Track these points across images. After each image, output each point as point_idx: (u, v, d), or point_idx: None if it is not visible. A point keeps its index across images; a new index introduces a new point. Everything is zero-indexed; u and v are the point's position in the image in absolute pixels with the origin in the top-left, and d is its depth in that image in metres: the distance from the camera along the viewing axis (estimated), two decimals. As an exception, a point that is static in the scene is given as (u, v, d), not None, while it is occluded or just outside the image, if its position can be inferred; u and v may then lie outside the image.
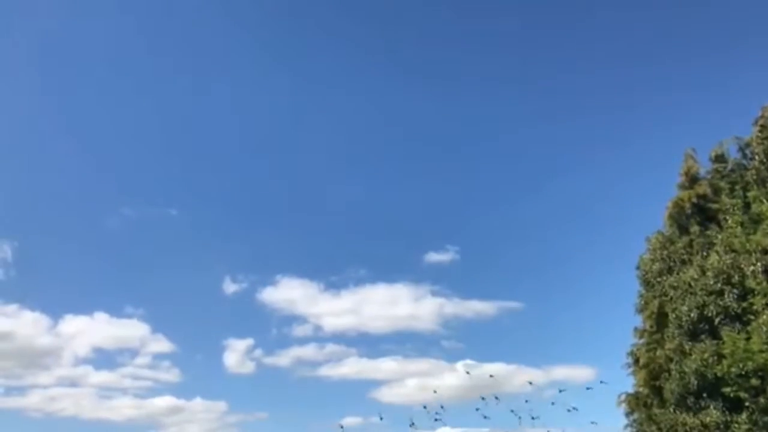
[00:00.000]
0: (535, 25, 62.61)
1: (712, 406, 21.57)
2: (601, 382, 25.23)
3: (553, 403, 21.64)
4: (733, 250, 22.15)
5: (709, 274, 22.43)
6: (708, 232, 24.21)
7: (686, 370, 22.08)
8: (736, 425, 20.83)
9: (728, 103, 51.73)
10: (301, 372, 52.77)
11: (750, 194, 22.35)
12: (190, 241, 60.59)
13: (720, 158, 25.54)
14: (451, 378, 49.31)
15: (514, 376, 50.28)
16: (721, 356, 21.00)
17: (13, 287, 54.39)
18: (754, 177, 22.71)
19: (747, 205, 22.56)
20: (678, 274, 24.11)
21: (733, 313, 21.70)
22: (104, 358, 52.82)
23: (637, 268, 26.61)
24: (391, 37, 64.35)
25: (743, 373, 20.20)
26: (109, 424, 50.33)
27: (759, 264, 20.82)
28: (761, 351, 19.75)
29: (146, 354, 50.93)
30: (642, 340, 25.78)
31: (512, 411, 20.66)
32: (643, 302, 25.86)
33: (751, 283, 20.96)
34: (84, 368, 50.91)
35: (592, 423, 21.10)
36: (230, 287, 54.95)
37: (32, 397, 49.50)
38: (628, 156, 58.10)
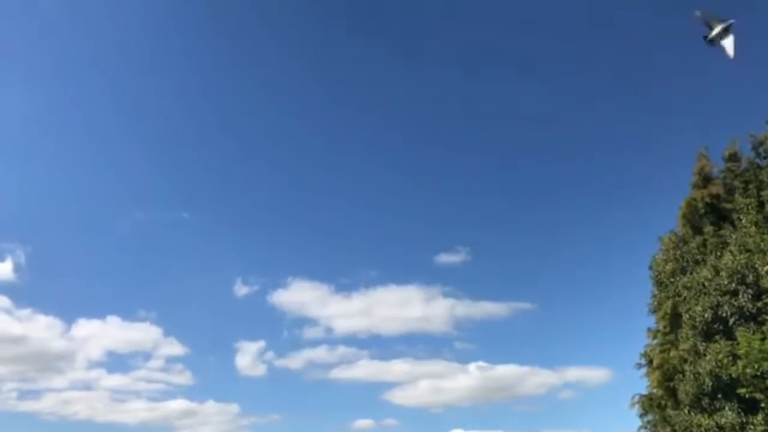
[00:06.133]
0: (546, 24, 62.44)
1: (727, 407, 21.34)
2: None
3: None
4: (748, 250, 21.93)
5: (723, 274, 22.21)
6: (722, 232, 24.01)
7: (700, 370, 21.87)
8: (752, 427, 20.60)
9: (741, 102, 51.33)
10: (313, 374, 52.91)
11: (764, 193, 22.13)
12: (202, 245, 60.96)
13: (733, 157, 25.34)
14: (463, 379, 49.30)
15: (528, 378, 50.26)
16: (735, 357, 20.77)
17: (27, 292, 55.13)
18: (768, 175, 22.49)
19: (761, 204, 22.35)
20: (691, 274, 23.91)
21: (747, 313, 21.47)
22: (117, 362, 53.29)
23: (650, 268, 26.43)
24: (405, 44, 64.37)
25: (759, 373, 19.96)
26: (122, 427, 50.80)
27: (774, 263, 20.61)
28: (776, 351, 19.53)
29: (159, 357, 51.35)
30: (655, 341, 25.60)
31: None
32: (656, 303, 25.68)
33: (765, 282, 20.75)
34: (97, 372, 51.40)
35: None
36: (241, 290, 55.26)
37: (46, 401, 50.03)
38: (640, 156, 57.87)
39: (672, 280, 24.85)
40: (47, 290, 60.07)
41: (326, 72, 63.29)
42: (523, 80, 62.45)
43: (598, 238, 58.25)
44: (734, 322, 21.69)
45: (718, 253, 23.36)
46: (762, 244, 21.14)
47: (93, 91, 63.02)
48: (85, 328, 52.85)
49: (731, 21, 18.31)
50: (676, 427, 22.92)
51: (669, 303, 24.55)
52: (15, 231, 56.96)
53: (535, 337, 56.77)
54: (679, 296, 24.12)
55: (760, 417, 20.46)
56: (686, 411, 22.54)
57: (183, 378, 52.83)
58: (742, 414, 21.00)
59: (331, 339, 54.45)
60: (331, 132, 64.90)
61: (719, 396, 21.72)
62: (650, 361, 25.33)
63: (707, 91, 55.60)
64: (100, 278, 60.14)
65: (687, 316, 23.23)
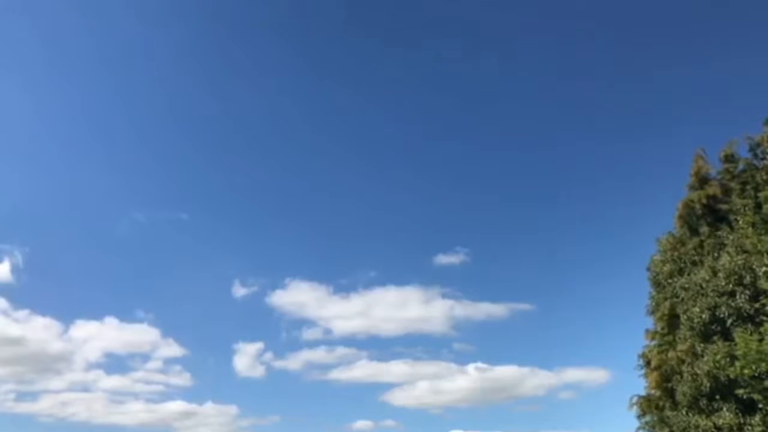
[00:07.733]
0: (549, 31, 62.55)
1: (725, 408, 21.41)
2: None
3: None
4: (745, 251, 21.98)
5: (721, 275, 22.27)
6: (719, 233, 24.05)
7: (698, 371, 21.94)
8: (750, 427, 20.66)
9: (738, 103, 51.52)
10: (311, 375, 52.89)
11: (761, 194, 22.14)
12: (200, 246, 60.99)
13: (730, 158, 25.36)
14: (462, 380, 49.33)
15: (527, 379, 50.28)
16: (733, 358, 20.81)
17: (25, 293, 55.10)
18: (765, 177, 22.52)
19: (758, 206, 22.37)
20: (689, 275, 23.96)
21: (745, 314, 21.52)
22: (115, 363, 53.28)
23: (648, 269, 26.50)
24: (403, 38, 64.42)
25: (756, 374, 20.01)
26: (120, 428, 50.80)
27: (771, 264, 20.63)
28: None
29: (157, 358, 51.39)
30: (653, 342, 25.64)
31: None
32: (654, 304, 25.73)
33: (763, 283, 20.77)
34: (95, 373, 51.38)
35: None
36: (240, 291, 55.28)
37: (44, 402, 50.00)
38: (638, 157, 58.08)
39: (669, 281, 24.90)
40: (45, 291, 60.13)
41: (325, 73, 63.39)
42: (523, 82, 62.61)
43: (597, 239, 58.47)
44: (732, 323, 21.74)
45: (716, 255, 23.41)
46: (759, 245, 21.16)
47: (93, 91, 63.14)
48: (83, 329, 52.94)
49: None
50: (674, 428, 22.95)
51: (667, 304, 24.60)
52: (13, 232, 57.05)
53: (534, 338, 56.96)
54: (677, 297, 24.17)
55: (757, 418, 20.51)
56: (684, 412, 22.58)
57: (181, 379, 52.91)
58: (740, 415, 21.06)
59: (329, 340, 54.52)
60: (329, 133, 64.98)
61: (717, 397, 21.78)
62: (648, 362, 25.37)
63: (705, 92, 55.83)
64: (98, 279, 60.31)
65: (685, 317, 23.28)
